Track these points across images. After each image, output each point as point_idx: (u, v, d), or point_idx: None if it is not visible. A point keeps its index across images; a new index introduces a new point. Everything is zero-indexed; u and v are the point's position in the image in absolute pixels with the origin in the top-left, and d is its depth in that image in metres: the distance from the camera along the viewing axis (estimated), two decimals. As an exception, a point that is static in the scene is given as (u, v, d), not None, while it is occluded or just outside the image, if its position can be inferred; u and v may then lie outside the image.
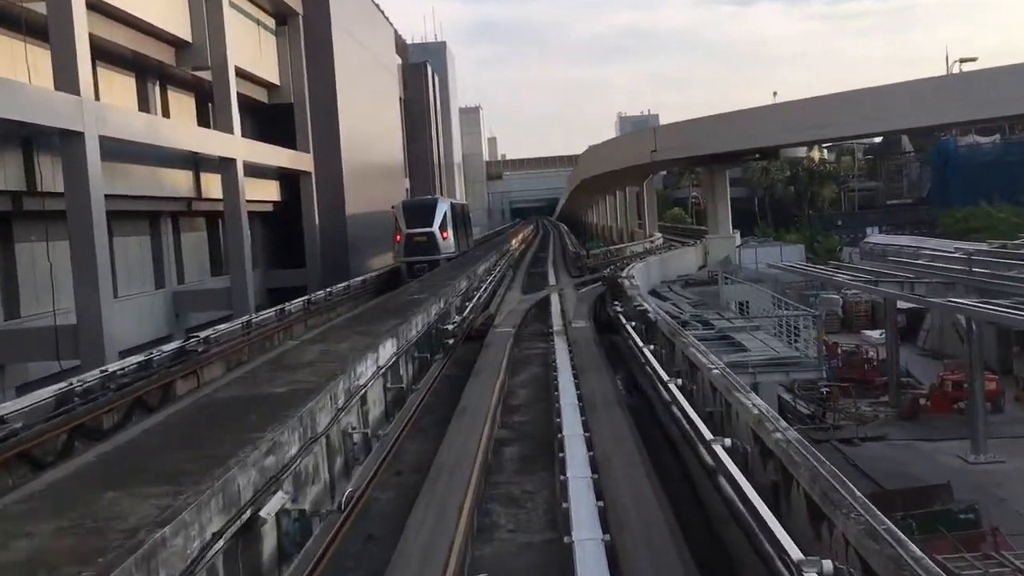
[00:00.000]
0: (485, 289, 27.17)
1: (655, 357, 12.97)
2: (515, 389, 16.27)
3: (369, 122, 52.03)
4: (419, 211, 39.22)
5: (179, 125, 31.12)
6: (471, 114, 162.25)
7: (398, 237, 38.53)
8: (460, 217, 44.57)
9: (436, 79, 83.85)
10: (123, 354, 21.17)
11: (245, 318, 21.09)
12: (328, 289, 29.51)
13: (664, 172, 65.00)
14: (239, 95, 40.39)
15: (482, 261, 31.52)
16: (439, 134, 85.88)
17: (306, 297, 26.65)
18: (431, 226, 37.31)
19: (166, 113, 33.64)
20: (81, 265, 21.73)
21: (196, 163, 33.05)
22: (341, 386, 9.37)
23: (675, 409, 10.20)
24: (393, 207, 41.97)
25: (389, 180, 58.20)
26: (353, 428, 10.38)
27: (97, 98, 27.92)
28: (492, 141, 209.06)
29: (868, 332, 47.15)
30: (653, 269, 31.59)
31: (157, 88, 33.14)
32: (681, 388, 10.37)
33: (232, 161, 32.46)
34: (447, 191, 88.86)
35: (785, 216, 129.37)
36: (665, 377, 10.81)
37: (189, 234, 35.37)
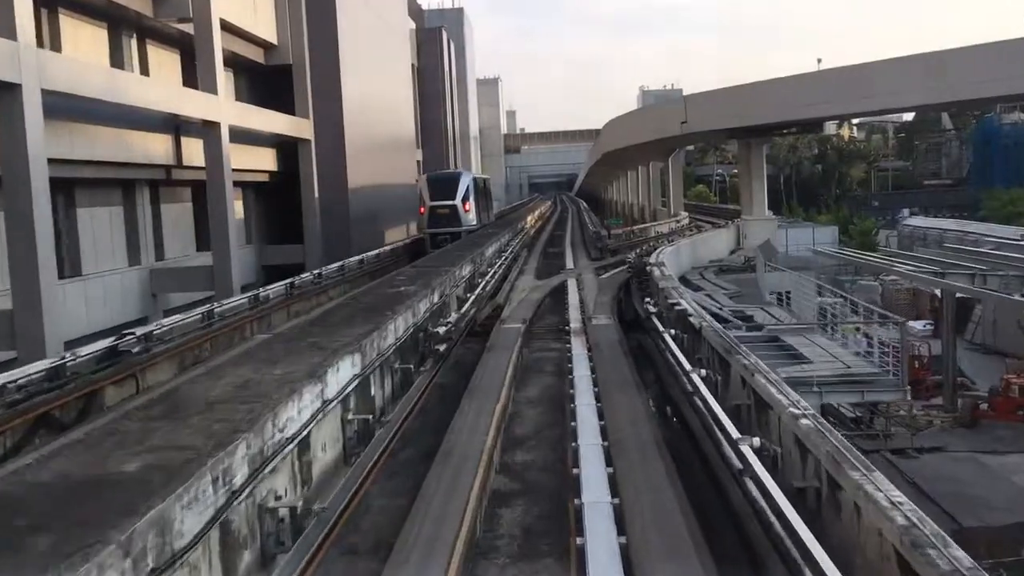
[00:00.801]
0: (494, 274, 23.81)
1: (710, 389, 9.57)
2: (521, 410, 12.97)
3: (376, 88, 48.56)
4: (443, 184, 40.28)
5: (152, 83, 27.78)
6: (490, 85, 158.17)
7: (422, 209, 39.78)
8: (482, 191, 45.58)
9: (452, 46, 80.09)
10: (86, 340, 18.06)
11: (205, 308, 17.83)
12: (318, 270, 26.22)
13: (688, 147, 61.11)
14: (232, 54, 37.10)
15: (492, 241, 28.19)
16: (454, 104, 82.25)
17: (288, 280, 23.38)
18: (454, 199, 38.57)
19: (145, 71, 30.32)
20: (18, 241, 18.52)
21: (176, 127, 29.75)
22: (242, 452, 6.07)
23: (749, 483, 6.84)
24: (418, 180, 43.29)
25: (399, 151, 54.79)
26: (279, 498, 7.11)
27: (57, 49, 24.72)
28: (511, 115, 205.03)
29: (911, 323, 43.53)
30: (683, 253, 28.18)
31: (134, 42, 29.80)
32: (760, 451, 7.00)
33: (215, 125, 29.14)
34: (462, 164, 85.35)
35: (812, 196, 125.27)
36: (734, 433, 7.42)
37: (171, 205, 32.13)
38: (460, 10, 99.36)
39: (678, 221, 48.06)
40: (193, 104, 28.32)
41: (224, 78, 30.03)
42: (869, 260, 31.70)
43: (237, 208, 39.27)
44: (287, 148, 40.20)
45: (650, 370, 14.32)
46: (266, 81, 40.86)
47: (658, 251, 25.60)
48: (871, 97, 29.15)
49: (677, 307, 14.44)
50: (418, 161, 67.38)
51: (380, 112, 48.92)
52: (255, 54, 38.70)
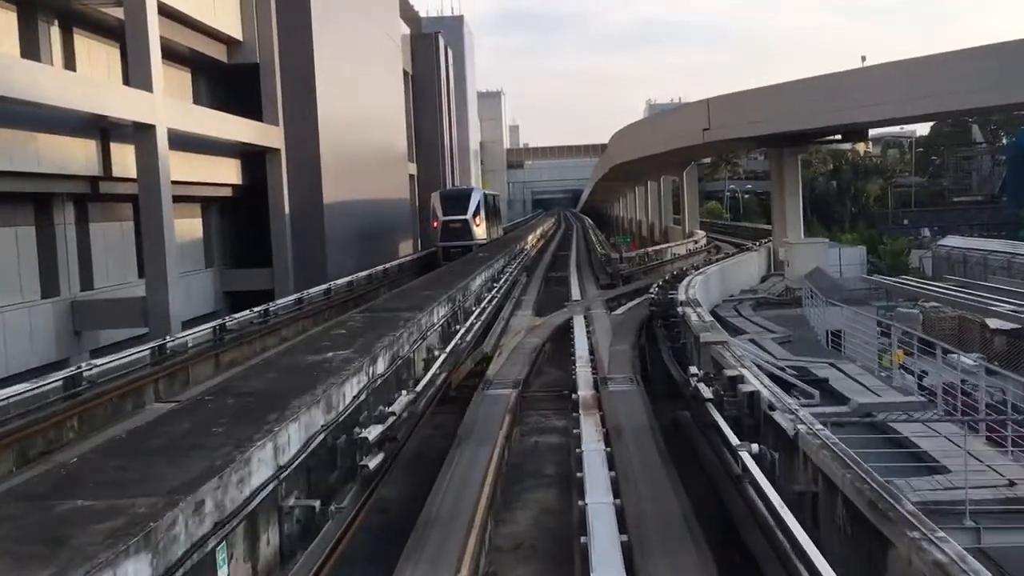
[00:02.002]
0: (481, 313, 18.81)
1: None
2: (502, 571, 7.96)
3: (360, 94, 43.69)
4: (455, 200, 41.82)
5: (69, 77, 22.83)
6: (492, 99, 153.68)
7: (435, 223, 41.17)
8: (492, 207, 47.58)
9: (450, 53, 75.34)
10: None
11: (66, 373, 12.83)
12: (267, 305, 21.20)
13: (703, 160, 56.03)
14: (189, 51, 32.36)
15: (482, 268, 23.22)
16: (452, 115, 77.41)
17: (219, 322, 18.35)
18: (466, 214, 39.86)
19: (72, 66, 25.47)
20: None
21: (104, 131, 24.86)
22: None
23: None
24: (431, 196, 44.68)
25: (387, 164, 49.87)
26: None
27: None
28: (514, 129, 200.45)
29: (960, 356, 38.22)
30: (712, 282, 23.16)
31: (55, 31, 24.95)
32: None
33: (150, 129, 24.22)
34: (460, 179, 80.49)
35: (827, 213, 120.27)
36: None
37: (103, 224, 27.18)
38: (460, 18, 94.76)
39: (696, 242, 43.08)
40: (122, 103, 23.42)
41: (161, 72, 25.07)
42: (962, 298, 26.42)
43: (194, 227, 34.51)
44: (254, 159, 35.34)
45: (711, 491, 9.25)
46: (231, 83, 36.03)
47: (687, 283, 20.59)
48: (938, 96, 24.12)
49: (742, 385, 9.41)
50: (411, 175, 62.47)
51: (365, 120, 44.04)
52: (216, 51, 33.87)
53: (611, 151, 60.64)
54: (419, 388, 10.91)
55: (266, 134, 34.41)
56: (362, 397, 9.20)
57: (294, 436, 7.12)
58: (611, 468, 9.27)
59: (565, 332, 20.03)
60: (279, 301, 21.92)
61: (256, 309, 20.39)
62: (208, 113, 31.37)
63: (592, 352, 16.63)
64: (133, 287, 27.65)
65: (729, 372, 10.20)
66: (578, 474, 9.12)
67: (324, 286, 25.93)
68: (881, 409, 12.11)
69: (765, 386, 9.46)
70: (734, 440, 7.82)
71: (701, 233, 46.93)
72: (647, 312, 22.19)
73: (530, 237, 46.98)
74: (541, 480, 10.55)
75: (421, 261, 41.16)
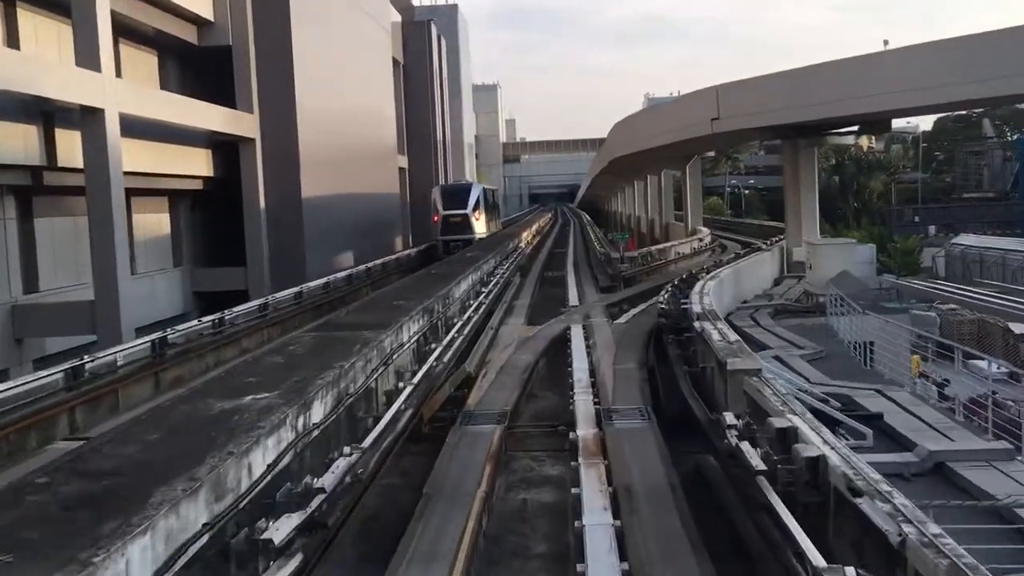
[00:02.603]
0: (465, 326, 16.29)
1: None
2: None
3: (344, 82, 41.10)
4: (455, 194, 42.52)
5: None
6: (488, 92, 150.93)
7: (436, 218, 41.85)
8: (491, 201, 48.65)
9: (443, 43, 72.67)
10: None
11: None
12: (223, 313, 18.64)
13: (708, 153, 53.35)
14: (155, 31, 29.85)
15: (469, 270, 20.70)
16: (445, 106, 74.78)
17: (158, 335, 15.78)
18: (466, 208, 40.53)
19: (14, 43, 22.89)
20: None
21: (47, 115, 22.31)
22: None
23: None
24: (432, 190, 46.51)
25: (374, 157, 47.26)
26: None
27: None
28: (511, 123, 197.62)
29: (978, 363, 35.78)
30: (726, 286, 20.66)
31: (-6, 4, 22.40)
32: None
33: (97, 113, 21.67)
34: (453, 173, 77.89)
35: (828, 209, 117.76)
36: None
37: (53, 220, 24.64)
38: (454, 7, 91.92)
39: (700, 239, 40.57)
40: (64, 84, 20.84)
41: (111, 51, 22.54)
42: (996, 303, 23.94)
43: (161, 223, 31.98)
44: (226, 149, 32.80)
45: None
46: (204, 68, 33.50)
47: (699, 289, 18.06)
48: (983, 81, 21.52)
49: (800, 447, 6.91)
50: (401, 168, 59.88)
51: (349, 110, 41.45)
52: (185, 32, 31.32)
53: (610, 144, 58.09)
54: (370, 440, 8.36)
55: (239, 122, 31.86)
56: (282, 464, 6.68)
57: (139, 557, 4.59)
58: (622, 556, 6.82)
59: (562, 345, 17.52)
60: (237, 308, 19.33)
61: (207, 319, 17.83)
62: (171, 98, 28.86)
63: (593, 373, 14.13)
64: (88, 289, 25.12)
65: (777, 422, 7.68)
66: (578, 567, 6.66)
67: (295, 289, 23.35)
68: (957, 458, 9.65)
69: (832, 446, 6.96)
70: (818, 560, 5.30)
71: (705, 231, 44.42)
72: (654, 322, 19.68)
73: (525, 234, 44.40)
74: (529, 562, 8.04)
75: (410, 260, 38.64)
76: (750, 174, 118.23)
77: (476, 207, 41.23)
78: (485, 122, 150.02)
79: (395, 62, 61.58)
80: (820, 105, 26.37)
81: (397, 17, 63.22)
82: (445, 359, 13.59)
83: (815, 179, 31.12)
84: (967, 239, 55.65)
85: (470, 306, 18.56)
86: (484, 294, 20.40)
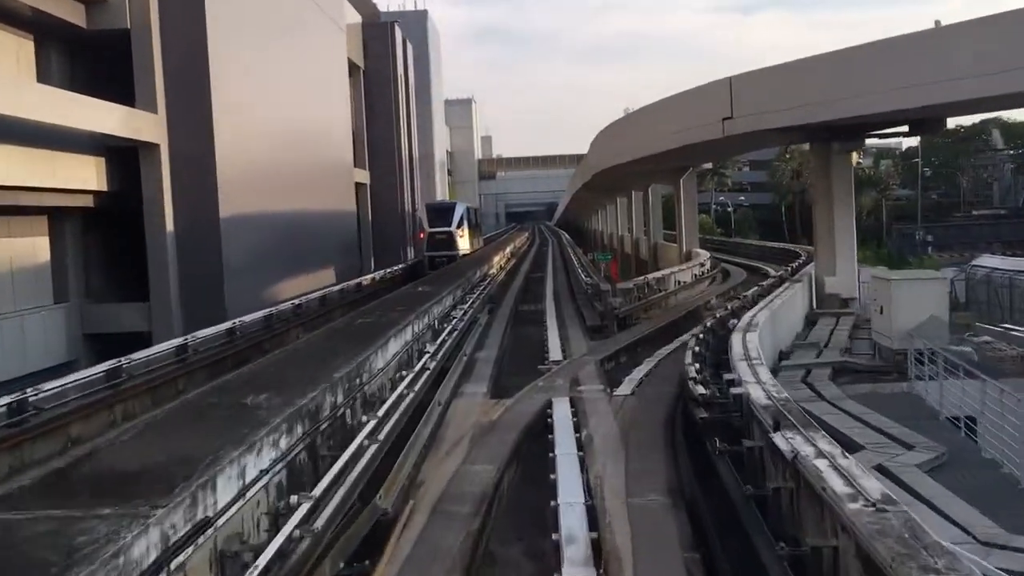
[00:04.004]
0: (386, 421, 10.16)
1: None
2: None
3: (282, 81, 34.98)
4: (440, 212, 44.35)
5: None
6: (462, 106, 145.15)
7: (422, 234, 43.46)
8: (474, 219, 51.34)
9: (409, 48, 66.68)
10: None
11: None
12: (22, 394, 12.30)
13: (706, 166, 47.21)
14: (29, 11, 23.78)
15: (412, 317, 14.64)
16: (412, 118, 68.73)
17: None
18: (451, 226, 41.78)
19: None
20: None
21: None
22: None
23: None
24: (417, 209, 51.66)
25: (323, 170, 41.06)
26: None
27: None
28: (487, 140, 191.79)
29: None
30: (765, 336, 14.68)
31: None
32: None
33: None
34: (421, 189, 71.77)
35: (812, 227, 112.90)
36: None
37: None
38: (423, 13, 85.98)
39: (702, 264, 34.66)
40: None
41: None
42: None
43: (36, 248, 25.66)
44: (126, 158, 26.58)
45: None
46: (98, 59, 27.31)
47: (741, 350, 12.08)
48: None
49: None
50: (359, 184, 53.69)
51: (289, 114, 35.30)
52: (69, 11, 25.16)
53: (593, 156, 52.17)
54: None
55: (138, 123, 25.69)
56: None
57: None
58: None
59: (541, 438, 11.46)
60: (60, 382, 13.02)
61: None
62: (48, 93, 22.69)
63: (594, 519, 7.99)
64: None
65: None
66: None
67: (177, 341, 17.06)
68: None
69: None
70: None
71: (704, 253, 38.50)
72: (673, 394, 13.70)
73: (496, 258, 38.42)
74: None
75: (359, 289, 32.30)
76: (736, 191, 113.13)
77: (460, 224, 42.58)
78: (459, 138, 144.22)
79: (354, 66, 55.67)
80: (863, 98, 20.56)
81: (357, 18, 57.30)
82: (335, 497, 7.49)
83: (852, 191, 25.30)
84: (989, 261, 50.05)
85: (411, 372, 12.50)
86: (431, 354, 14.28)
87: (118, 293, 27.63)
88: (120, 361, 14.36)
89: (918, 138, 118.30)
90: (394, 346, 12.72)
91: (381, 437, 9.51)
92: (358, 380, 10.24)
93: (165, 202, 26.41)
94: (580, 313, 26.58)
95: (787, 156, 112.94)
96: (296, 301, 25.19)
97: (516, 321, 25.52)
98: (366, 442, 9.16)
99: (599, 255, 73.36)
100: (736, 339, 13.46)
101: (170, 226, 26.56)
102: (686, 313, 24.90)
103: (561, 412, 12.50)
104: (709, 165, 46.59)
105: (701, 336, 14.41)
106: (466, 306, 21.69)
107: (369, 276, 36.61)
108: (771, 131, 24.04)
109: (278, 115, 33.89)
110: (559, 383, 15.21)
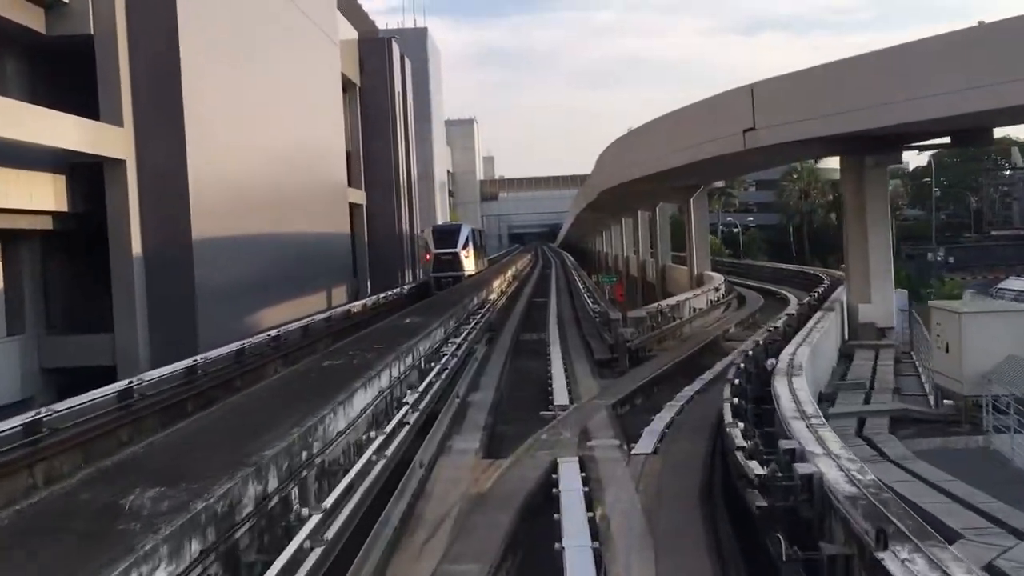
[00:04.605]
0: (347, 498, 7.76)
1: None
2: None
3: (267, 94, 32.76)
4: (446, 234, 45.01)
5: None
6: (464, 127, 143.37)
7: (428, 256, 44.15)
8: (478, 240, 52.61)
9: (407, 65, 64.66)
10: None
11: None
12: None
13: (717, 184, 44.55)
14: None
15: (392, 355, 12.28)
16: (411, 137, 66.60)
17: None
18: (456, 247, 42.46)
19: None
20: None
21: None
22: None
23: None
24: (423, 231, 52.40)
25: (313, 190, 38.78)
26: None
27: None
28: (489, 160, 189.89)
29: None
30: (807, 377, 12.25)
31: None
32: None
33: None
34: (421, 211, 69.56)
35: (825, 248, 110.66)
36: None
37: None
38: (423, 31, 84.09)
39: (716, 289, 32.24)
40: None
41: None
42: None
43: (-13, 274, 23.34)
44: (90, 176, 24.34)
45: None
46: (61, 69, 25.12)
47: (792, 406, 9.72)
48: None
49: None
50: (355, 204, 51.47)
51: (273, 132, 33.05)
52: (27, 16, 23.00)
53: (598, 174, 49.90)
54: None
55: (102, 137, 23.46)
56: None
57: None
58: None
59: (542, 516, 9.06)
60: None
61: None
62: (-3, 103, 20.43)
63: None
64: None
65: None
66: None
67: (119, 385, 14.64)
68: None
69: None
70: None
71: (718, 277, 36.08)
72: (708, 455, 11.32)
73: (496, 283, 36.04)
74: None
75: (347, 318, 29.89)
76: (743, 211, 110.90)
77: (465, 246, 43.30)
78: (461, 158, 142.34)
79: (350, 83, 53.62)
80: (915, 102, 18.22)
81: (353, 33, 55.31)
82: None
83: (888, 210, 22.95)
84: (1017, 283, 47.52)
85: (389, 428, 10.09)
86: (410, 405, 11.86)
87: (82, 323, 25.28)
88: (40, 412, 11.99)
89: (927, 156, 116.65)
90: (363, 398, 10.33)
91: (330, 535, 7.09)
92: (304, 454, 7.84)
93: (131, 223, 24.11)
94: (587, 344, 24.17)
95: (795, 176, 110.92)
96: (274, 332, 22.76)
97: (517, 353, 23.12)
98: (308, 544, 6.75)
99: (604, 277, 71.05)
100: (781, 387, 11.05)
101: (137, 249, 24.25)
102: (704, 345, 22.47)
103: (569, 478, 10.11)
104: (721, 184, 44.06)
105: (737, 382, 11.95)
106: (459, 339, 19.27)
107: (360, 302, 34.22)
108: (798, 143, 21.70)
109: (262, 131, 31.66)
110: (565, 436, 12.78)
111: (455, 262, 41.95)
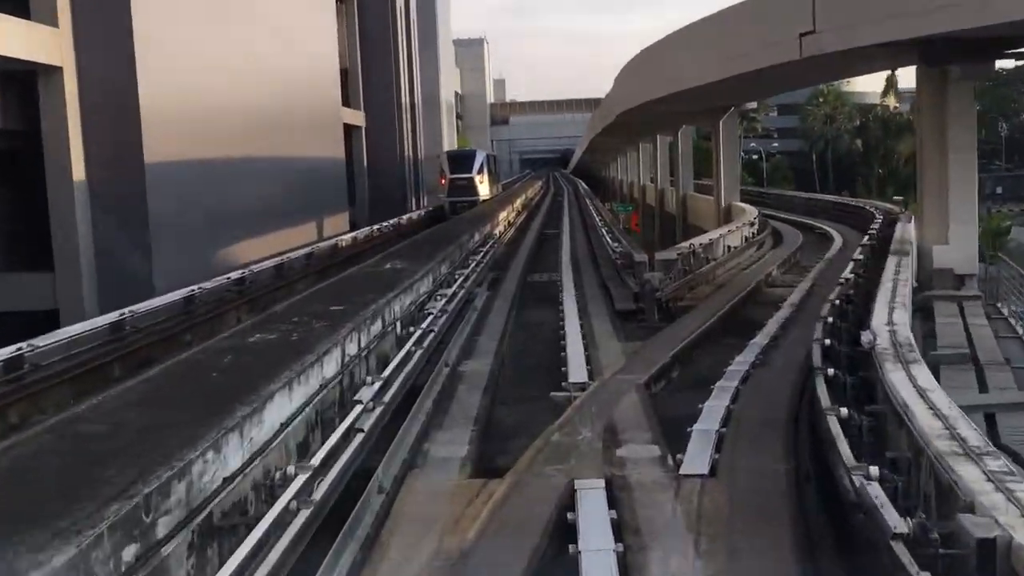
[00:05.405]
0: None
1: None
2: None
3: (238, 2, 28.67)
4: (461, 159, 46.18)
5: None
6: (473, 47, 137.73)
7: (443, 181, 44.89)
8: (492, 166, 52.75)
9: (409, -26, 59.86)
10: None
11: None
12: None
13: (751, 104, 39.98)
14: None
15: (343, 331, 8.93)
16: (414, 55, 62.17)
17: None
18: (471, 172, 43.91)
19: None
20: None
21: None
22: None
23: None
24: (438, 155, 53.20)
25: (299, 109, 34.84)
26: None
27: None
28: (500, 84, 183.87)
29: None
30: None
31: None
32: None
33: None
34: (425, 135, 65.47)
35: (850, 175, 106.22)
36: None
37: None
38: (427, -60, 78.58)
39: (751, 224, 28.48)
40: None
41: None
42: None
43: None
44: (21, 87, 20.68)
45: None
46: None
47: (926, 418, 6.37)
48: None
49: None
50: (352, 126, 47.61)
51: (248, 45, 29.05)
52: None
53: (617, 93, 45.64)
54: None
55: (33, 39, 19.67)
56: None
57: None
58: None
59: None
60: None
61: None
62: None
63: None
64: None
65: None
66: None
67: (7, 350, 11.20)
68: None
69: None
70: None
71: (750, 209, 32.21)
72: (791, 478, 7.88)
73: (503, 214, 32.40)
74: None
75: (333, 254, 26.39)
76: (765, 137, 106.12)
77: (480, 171, 44.20)
78: (470, 80, 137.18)
79: (345, -7, 49.26)
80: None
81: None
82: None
83: (974, 133, 19.10)
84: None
85: (318, 455, 6.68)
86: (363, 405, 8.40)
87: (20, 260, 21.90)
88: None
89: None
90: (285, 407, 6.85)
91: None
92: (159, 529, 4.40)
93: (71, 143, 20.50)
94: (606, 290, 20.64)
95: (820, 99, 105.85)
96: (239, 273, 19.29)
97: (523, 302, 19.61)
98: None
99: (618, 206, 67.11)
100: (903, 386, 7.55)
101: (80, 174, 20.70)
102: (747, 293, 18.89)
103: (592, 522, 6.74)
104: (754, 105, 39.93)
105: (831, 372, 8.44)
106: (452, 289, 15.79)
107: (350, 235, 30.65)
108: (869, 48, 17.72)
109: (235, 43, 27.71)
110: (584, 435, 9.36)
111: (470, 187, 43.09)
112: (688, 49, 26.06)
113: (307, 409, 7.45)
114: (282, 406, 6.80)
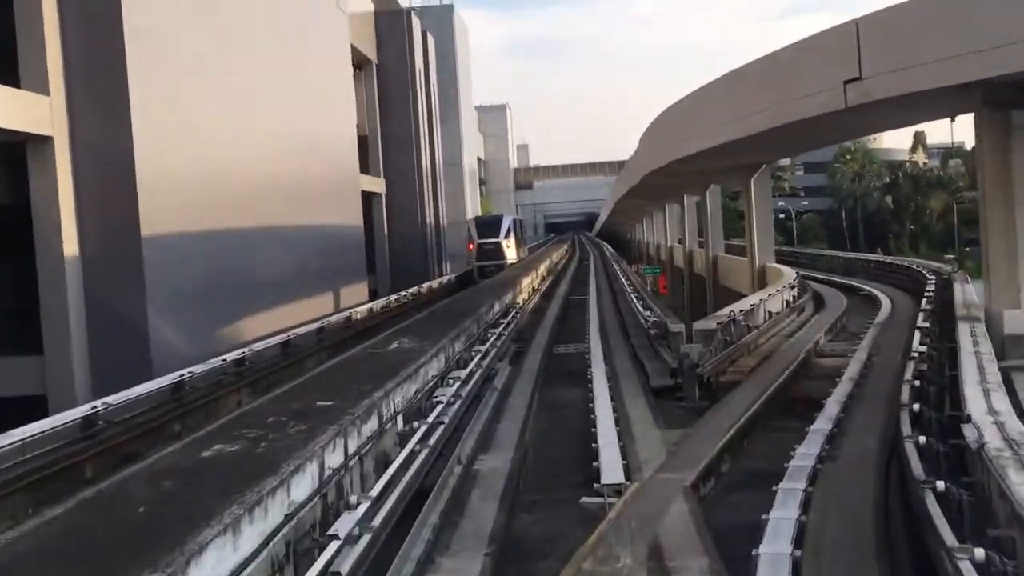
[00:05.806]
0: None
1: None
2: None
3: (249, 67, 27.67)
4: (489, 225, 48.13)
5: None
6: (496, 113, 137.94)
7: (471, 246, 46.69)
8: (519, 230, 54.79)
9: (430, 42, 59.44)
10: None
11: None
12: None
13: (783, 161, 38.32)
14: None
15: (314, 444, 7.26)
16: (435, 120, 61.46)
17: None
18: (498, 237, 45.75)
19: None
20: None
21: None
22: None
23: None
24: (465, 221, 57.93)
25: (314, 177, 33.68)
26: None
27: None
28: (523, 148, 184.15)
29: None
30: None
31: None
32: None
33: None
34: (445, 199, 64.40)
35: (880, 233, 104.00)
36: None
37: None
38: (449, 7, 78.65)
39: (792, 287, 26.65)
40: None
41: None
42: None
43: None
44: (11, 158, 19.52)
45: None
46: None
47: None
48: None
49: None
50: (371, 193, 46.56)
51: (258, 111, 27.99)
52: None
53: (643, 153, 44.26)
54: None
55: (24, 108, 18.53)
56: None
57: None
58: None
59: None
60: None
61: None
62: None
63: None
64: None
65: None
66: None
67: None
68: None
69: None
70: None
71: (788, 271, 30.39)
72: None
73: (526, 280, 30.75)
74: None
75: (348, 326, 24.88)
76: (791, 196, 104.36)
77: (507, 235, 45.72)
78: (493, 146, 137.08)
79: (366, 60, 48.73)
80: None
81: (369, 7, 50.29)
82: None
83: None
84: None
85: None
86: (341, 540, 6.63)
87: (8, 342, 20.49)
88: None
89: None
90: (233, 553, 5.12)
91: None
92: None
93: (63, 216, 19.20)
94: (638, 362, 18.84)
95: (848, 156, 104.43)
96: (238, 353, 17.71)
97: (548, 378, 17.84)
98: None
99: (646, 268, 65.59)
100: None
101: (71, 249, 19.35)
102: (797, 366, 16.98)
103: None
104: (787, 161, 38.30)
105: (940, 488, 6.62)
106: (469, 369, 14.08)
107: (366, 306, 29.13)
108: (924, 94, 16.04)
109: (244, 109, 26.64)
110: (624, 563, 7.51)
111: (498, 251, 44.66)
112: (718, 104, 24.57)
113: (264, 551, 5.71)
114: (222, 559, 5.07)
